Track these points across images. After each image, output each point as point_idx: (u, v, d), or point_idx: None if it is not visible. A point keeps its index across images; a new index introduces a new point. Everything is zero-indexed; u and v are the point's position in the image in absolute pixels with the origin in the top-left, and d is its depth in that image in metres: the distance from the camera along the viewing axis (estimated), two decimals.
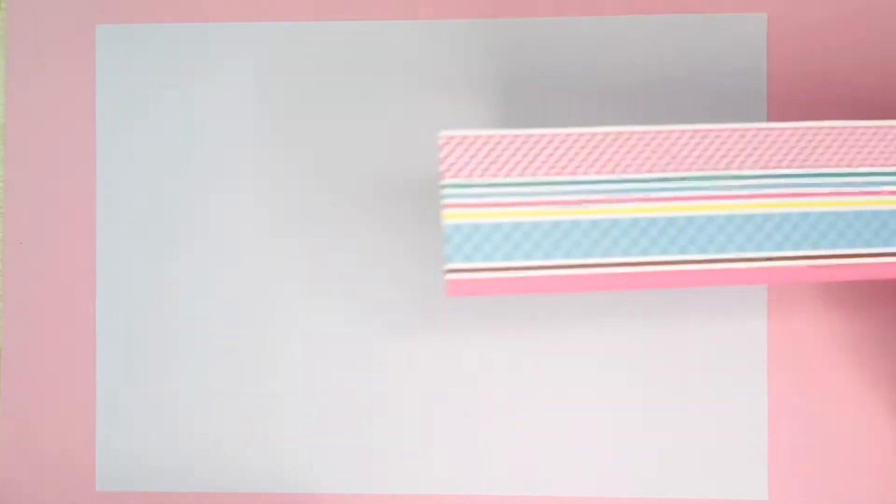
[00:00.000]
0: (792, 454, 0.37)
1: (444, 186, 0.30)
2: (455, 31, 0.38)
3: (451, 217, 0.30)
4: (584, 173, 0.30)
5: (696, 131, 0.31)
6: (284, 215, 0.38)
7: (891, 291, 0.37)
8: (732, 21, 0.38)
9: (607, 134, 0.30)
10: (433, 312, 0.38)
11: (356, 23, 0.38)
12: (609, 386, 0.37)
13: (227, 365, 0.38)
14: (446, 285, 0.30)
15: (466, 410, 0.38)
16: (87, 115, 0.39)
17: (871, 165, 0.31)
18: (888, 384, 0.37)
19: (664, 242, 0.30)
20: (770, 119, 0.37)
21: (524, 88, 0.38)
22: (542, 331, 0.38)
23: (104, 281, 0.39)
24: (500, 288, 0.30)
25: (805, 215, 0.31)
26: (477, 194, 0.30)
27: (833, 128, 0.31)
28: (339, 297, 0.38)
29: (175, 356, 0.38)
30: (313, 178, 0.38)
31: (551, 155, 0.30)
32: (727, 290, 0.38)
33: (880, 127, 0.31)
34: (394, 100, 0.38)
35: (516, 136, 0.30)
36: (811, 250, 0.31)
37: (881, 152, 0.31)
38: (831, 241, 0.31)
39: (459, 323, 0.38)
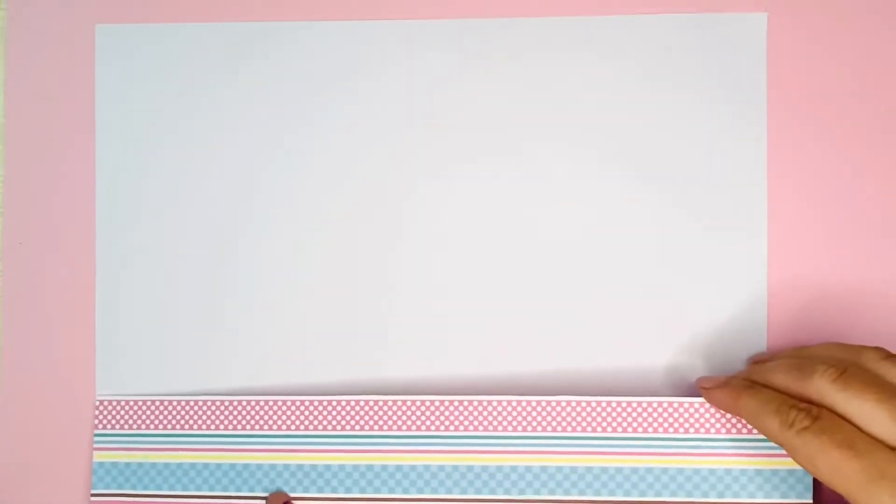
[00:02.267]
0: None
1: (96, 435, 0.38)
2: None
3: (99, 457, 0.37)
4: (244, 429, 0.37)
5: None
6: (283, 215, 0.38)
7: None
8: (732, 21, 0.38)
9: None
10: None
11: (356, 23, 0.38)
12: None
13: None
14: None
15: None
16: (87, 115, 0.39)
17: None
18: None
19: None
20: (770, 118, 0.37)
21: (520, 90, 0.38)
22: None
23: (104, 281, 0.39)
24: None
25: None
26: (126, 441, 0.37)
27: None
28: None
29: (175, 365, 0.38)
30: (315, 183, 0.38)
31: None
32: None
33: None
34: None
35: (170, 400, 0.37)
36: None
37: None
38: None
39: None
